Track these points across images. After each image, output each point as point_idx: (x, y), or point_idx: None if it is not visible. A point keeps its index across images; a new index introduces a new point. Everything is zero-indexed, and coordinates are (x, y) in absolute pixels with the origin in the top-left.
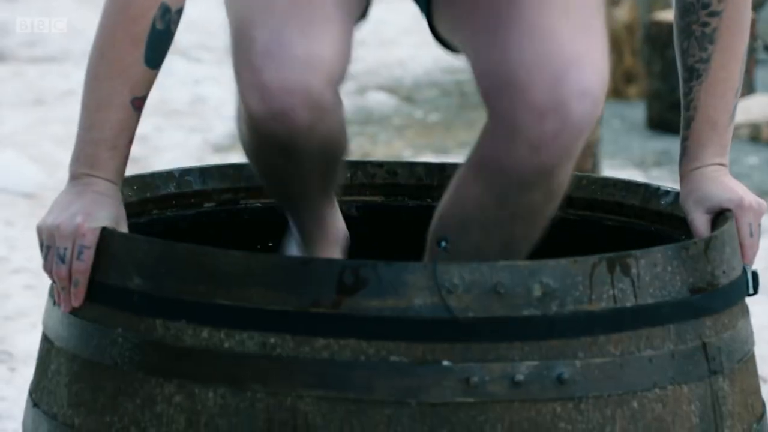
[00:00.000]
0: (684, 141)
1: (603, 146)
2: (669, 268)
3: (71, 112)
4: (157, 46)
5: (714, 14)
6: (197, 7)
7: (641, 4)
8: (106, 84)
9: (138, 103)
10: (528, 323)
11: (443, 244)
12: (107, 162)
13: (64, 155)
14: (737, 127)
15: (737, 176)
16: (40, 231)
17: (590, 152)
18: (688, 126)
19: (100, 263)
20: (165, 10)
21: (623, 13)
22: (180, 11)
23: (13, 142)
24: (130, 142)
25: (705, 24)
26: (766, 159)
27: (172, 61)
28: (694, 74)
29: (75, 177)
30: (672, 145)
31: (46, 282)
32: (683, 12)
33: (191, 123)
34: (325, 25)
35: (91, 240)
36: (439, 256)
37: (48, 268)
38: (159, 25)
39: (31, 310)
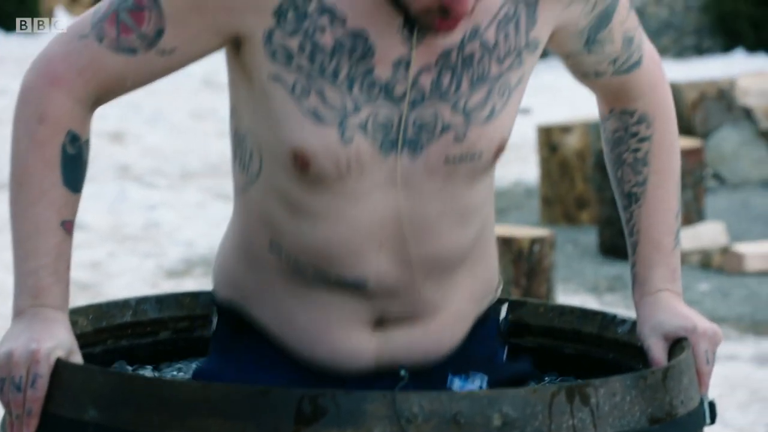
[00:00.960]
0: (633, 267)
1: (557, 271)
2: (628, 398)
3: None
4: (73, 168)
5: (644, 140)
6: (153, 135)
7: (592, 131)
8: (32, 211)
9: (68, 226)
10: None
11: (403, 372)
12: (50, 289)
13: (12, 282)
14: (688, 254)
15: (689, 303)
16: None
17: (544, 277)
18: (634, 251)
19: (54, 394)
20: (73, 137)
21: (574, 140)
22: (88, 142)
23: None
24: (68, 267)
25: (636, 150)
26: (718, 286)
27: (126, 187)
28: (632, 199)
29: (20, 311)
30: (624, 270)
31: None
32: (613, 145)
33: (145, 248)
34: None
35: (45, 369)
36: (400, 384)
37: (4, 399)
38: (70, 150)
39: None
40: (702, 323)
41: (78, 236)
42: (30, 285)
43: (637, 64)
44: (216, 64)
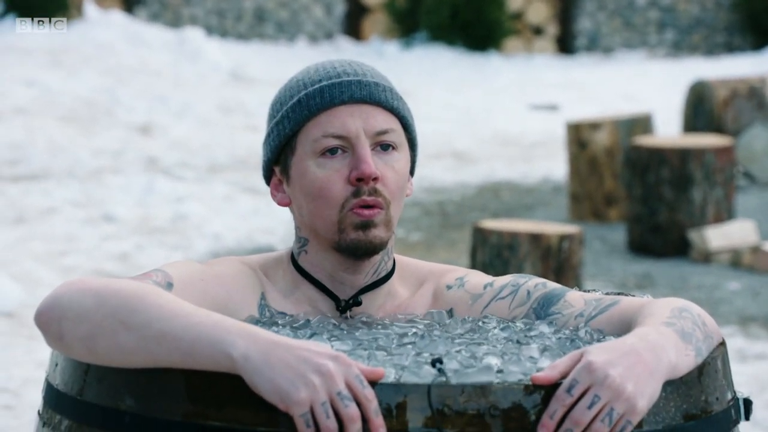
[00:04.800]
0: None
1: (585, 268)
2: (663, 395)
3: (52, 229)
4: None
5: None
6: (180, 127)
7: (621, 128)
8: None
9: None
10: None
11: (438, 365)
12: (225, 319)
13: (44, 273)
14: (718, 253)
15: (718, 302)
16: (296, 405)
17: (573, 274)
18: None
19: (92, 384)
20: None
21: (604, 138)
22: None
23: None
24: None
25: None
26: (748, 285)
27: (154, 180)
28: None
29: (239, 351)
30: (652, 268)
31: (25, 402)
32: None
33: (173, 240)
34: None
35: (354, 363)
36: (435, 377)
37: (330, 426)
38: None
39: (10, 430)
40: (597, 355)
41: (106, 228)
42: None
43: (615, 302)
44: (244, 57)
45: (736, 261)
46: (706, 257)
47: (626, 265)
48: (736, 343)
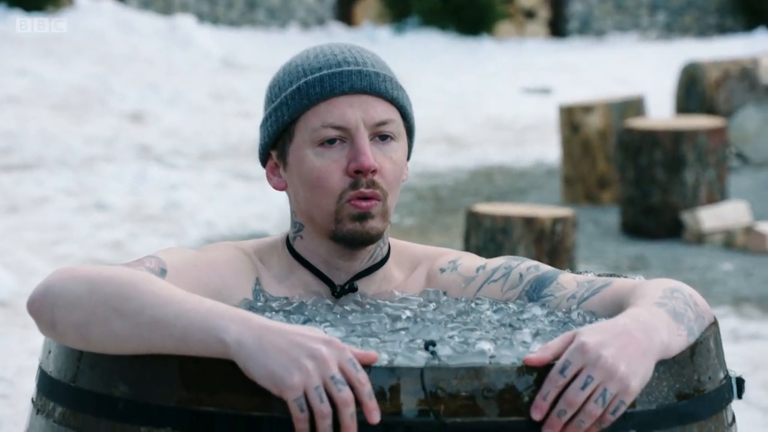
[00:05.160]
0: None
1: (578, 251)
2: (656, 374)
3: (45, 218)
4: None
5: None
6: (172, 114)
7: (614, 110)
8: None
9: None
10: (514, 425)
11: (431, 347)
12: (217, 304)
13: (37, 262)
14: (711, 234)
15: (712, 283)
16: (290, 390)
17: (567, 256)
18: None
19: (85, 370)
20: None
21: (596, 120)
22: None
23: None
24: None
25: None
26: (741, 265)
27: (146, 167)
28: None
29: (232, 336)
30: (646, 250)
31: (20, 391)
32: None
33: (166, 228)
34: None
35: (348, 348)
36: (428, 360)
37: (324, 410)
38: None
39: (5, 419)
40: (589, 336)
41: (99, 216)
42: (211, 314)
43: (607, 284)
44: (236, 44)
45: (729, 242)
46: (699, 238)
47: (619, 248)
48: (729, 323)
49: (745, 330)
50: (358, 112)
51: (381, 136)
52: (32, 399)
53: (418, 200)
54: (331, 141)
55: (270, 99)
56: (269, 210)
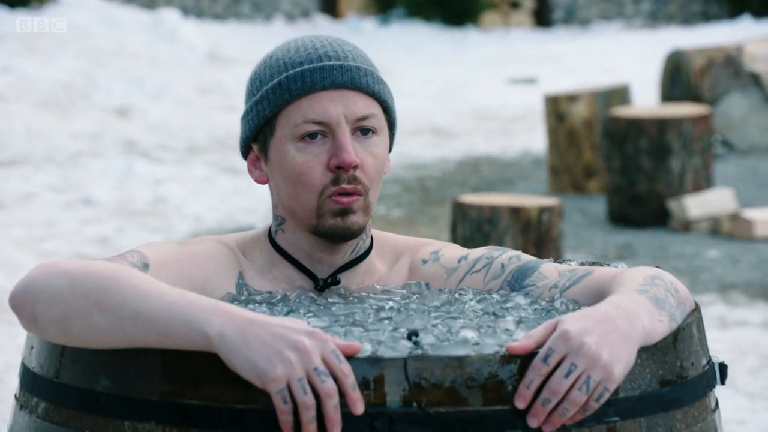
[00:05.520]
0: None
1: (565, 240)
2: (638, 361)
3: (31, 215)
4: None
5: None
6: (157, 109)
7: (599, 99)
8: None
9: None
10: (498, 415)
11: (414, 338)
12: (200, 297)
13: (24, 258)
14: (697, 221)
15: (698, 270)
16: (273, 382)
17: (553, 246)
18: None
19: (67, 365)
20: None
21: (582, 109)
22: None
23: None
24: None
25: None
26: (727, 252)
27: (133, 162)
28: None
29: (216, 329)
30: (633, 238)
31: (7, 388)
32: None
33: (153, 223)
34: None
35: (331, 340)
36: (411, 350)
37: (307, 402)
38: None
39: None
40: (572, 324)
41: (86, 212)
42: (193, 307)
43: (589, 273)
44: (221, 38)
45: (715, 229)
46: (686, 226)
47: (607, 236)
48: (716, 310)
49: (731, 316)
50: (339, 107)
51: (362, 131)
52: (15, 395)
53: (405, 192)
54: (312, 136)
55: (251, 92)
56: (256, 203)
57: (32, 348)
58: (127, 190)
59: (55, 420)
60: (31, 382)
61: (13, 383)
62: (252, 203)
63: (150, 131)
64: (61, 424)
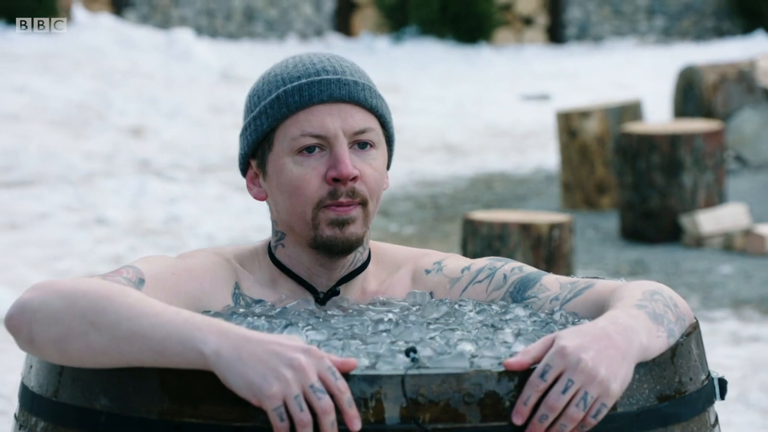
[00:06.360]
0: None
1: (577, 256)
2: (636, 376)
3: (45, 234)
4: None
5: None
6: (172, 128)
7: (611, 115)
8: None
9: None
10: (495, 431)
11: (413, 354)
12: (195, 315)
13: (38, 278)
14: (710, 237)
15: (711, 286)
16: (269, 399)
17: (564, 262)
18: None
19: (65, 384)
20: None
21: (594, 125)
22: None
23: None
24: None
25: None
26: (740, 268)
27: (146, 181)
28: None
29: (212, 348)
30: (645, 254)
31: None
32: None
33: (166, 242)
34: None
35: (326, 357)
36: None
37: (304, 419)
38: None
39: None
40: (569, 340)
41: (99, 231)
42: (188, 326)
43: (589, 285)
44: (234, 57)
45: (728, 244)
46: (699, 242)
47: (619, 253)
48: (729, 326)
49: (745, 332)
50: (337, 120)
51: (360, 144)
52: (15, 414)
53: (418, 209)
54: (310, 149)
55: (249, 108)
56: (269, 222)
57: (31, 367)
58: (141, 209)
59: None
60: (30, 401)
61: None
62: (265, 222)
63: (164, 150)
64: None
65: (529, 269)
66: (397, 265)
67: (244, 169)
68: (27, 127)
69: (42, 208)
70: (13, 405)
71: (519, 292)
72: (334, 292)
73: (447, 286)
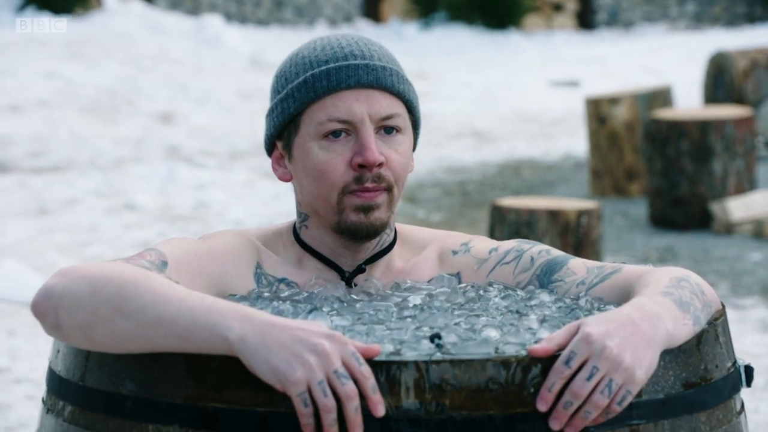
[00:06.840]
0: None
1: (606, 243)
2: (662, 363)
3: (75, 220)
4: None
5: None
6: (201, 114)
7: (641, 102)
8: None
9: None
10: (524, 419)
11: (436, 340)
12: (218, 301)
13: (67, 263)
14: (740, 224)
15: (741, 273)
16: (293, 385)
17: (592, 249)
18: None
19: (92, 368)
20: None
21: (623, 112)
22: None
23: (16, 252)
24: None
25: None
26: None
27: (175, 167)
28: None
29: (236, 333)
30: (674, 241)
31: None
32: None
33: (195, 228)
34: None
35: (350, 341)
36: (433, 353)
37: (328, 404)
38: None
39: (33, 420)
40: (594, 327)
41: (128, 217)
42: (213, 312)
43: (616, 270)
44: (264, 43)
45: (758, 231)
46: (728, 229)
47: (648, 239)
48: (759, 313)
49: None
50: (364, 106)
51: (386, 129)
52: (42, 399)
53: (446, 195)
54: (336, 134)
55: (276, 90)
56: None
57: (58, 352)
58: (170, 195)
59: (80, 423)
60: (57, 385)
61: None
62: (293, 208)
63: (193, 137)
64: (86, 427)
65: (556, 252)
66: (422, 245)
67: (270, 149)
68: (57, 113)
69: (72, 194)
70: (43, 389)
71: (545, 275)
72: (359, 269)
73: (474, 267)
